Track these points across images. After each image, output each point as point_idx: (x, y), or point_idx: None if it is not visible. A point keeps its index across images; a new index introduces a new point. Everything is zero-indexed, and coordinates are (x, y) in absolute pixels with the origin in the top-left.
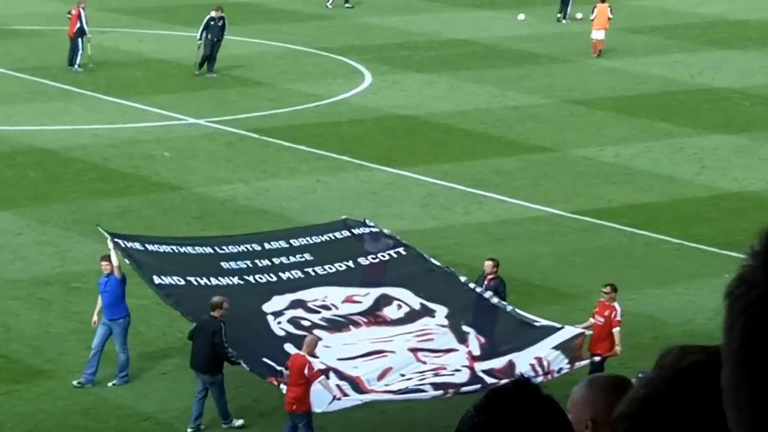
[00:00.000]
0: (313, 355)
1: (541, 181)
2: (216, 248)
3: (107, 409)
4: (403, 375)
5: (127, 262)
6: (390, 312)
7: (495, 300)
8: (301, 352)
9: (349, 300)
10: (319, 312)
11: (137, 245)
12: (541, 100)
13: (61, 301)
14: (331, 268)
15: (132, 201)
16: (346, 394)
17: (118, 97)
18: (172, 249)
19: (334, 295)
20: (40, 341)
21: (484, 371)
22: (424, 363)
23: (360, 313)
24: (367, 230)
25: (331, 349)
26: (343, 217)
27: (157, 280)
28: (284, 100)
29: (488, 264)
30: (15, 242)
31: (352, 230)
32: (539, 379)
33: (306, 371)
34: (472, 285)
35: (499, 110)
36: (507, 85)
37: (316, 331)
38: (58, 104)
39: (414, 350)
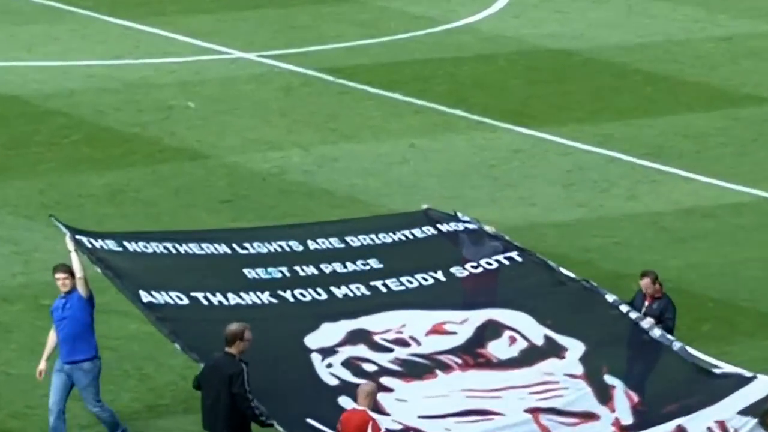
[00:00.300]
0: (378, 410)
1: (751, 150)
2: (236, 247)
3: None
4: None
5: (98, 270)
6: (498, 348)
7: (657, 332)
8: (359, 406)
9: (437, 330)
10: (390, 350)
11: (112, 244)
12: (766, 27)
13: (25, 327)
14: (410, 282)
15: (130, 175)
16: None
17: (127, 19)
18: (166, 248)
19: (414, 323)
20: None
21: None
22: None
23: (452, 351)
24: (461, 226)
25: (407, 404)
26: (425, 206)
27: (145, 296)
28: (378, 25)
29: (644, 283)
30: None
31: (439, 226)
32: None
33: (369, 430)
34: (623, 308)
35: (701, 42)
36: (714, 4)
37: (385, 380)
38: (38, 28)
39: (533, 411)
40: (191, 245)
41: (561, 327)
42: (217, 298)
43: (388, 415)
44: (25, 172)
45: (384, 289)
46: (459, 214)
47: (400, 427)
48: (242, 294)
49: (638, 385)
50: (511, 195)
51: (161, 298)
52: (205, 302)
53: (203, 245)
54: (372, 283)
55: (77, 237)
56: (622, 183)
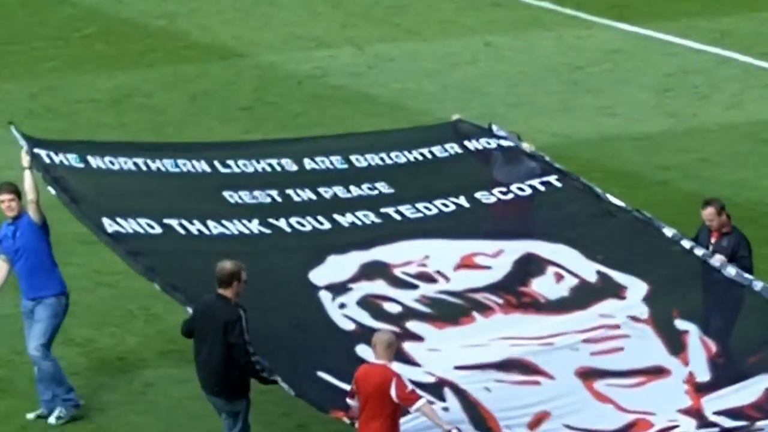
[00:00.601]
0: (407, 360)
1: None
2: (217, 164)
3: None
4: (570, 427)
5: (53, 192)
6: (544, 286)
7: (731, 271)
8: (377, 360)
9: (467, 264)
10: (414, 286)
11: (74, 159)
12: None
13: None
14: (428, 209)
15: (145, 77)
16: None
17: None
18: (136, 165)
19: (439, 254)
20: None
21: (720, 413)
22: (608, 401)
23: (490, 289)
24: (493, 143)
25: (441, 354)
26: (455, 117)
27: (110, 225)
28: None
29: (708, 213)
30: None
31: (467, 143)
32: None
33: (393, 391)
34: (686, 243)
35: None
36: None
37: (413, 325)
38: None
39: (587, 374)
40: (165, 162)
41: (615, 262)
42: (195, 227)
43: (418, 365)
44: (19, 73)
45: (398, 217)
46: (494, 128)
47: (433, 379)
48: (225, 222)
49: (716, 331)
50: (590, 103)
51: (128, 226)
52: (181, 231)
53: (179, 162)
54: (383, 210)
55: (35, 151)
56: (728, 88)
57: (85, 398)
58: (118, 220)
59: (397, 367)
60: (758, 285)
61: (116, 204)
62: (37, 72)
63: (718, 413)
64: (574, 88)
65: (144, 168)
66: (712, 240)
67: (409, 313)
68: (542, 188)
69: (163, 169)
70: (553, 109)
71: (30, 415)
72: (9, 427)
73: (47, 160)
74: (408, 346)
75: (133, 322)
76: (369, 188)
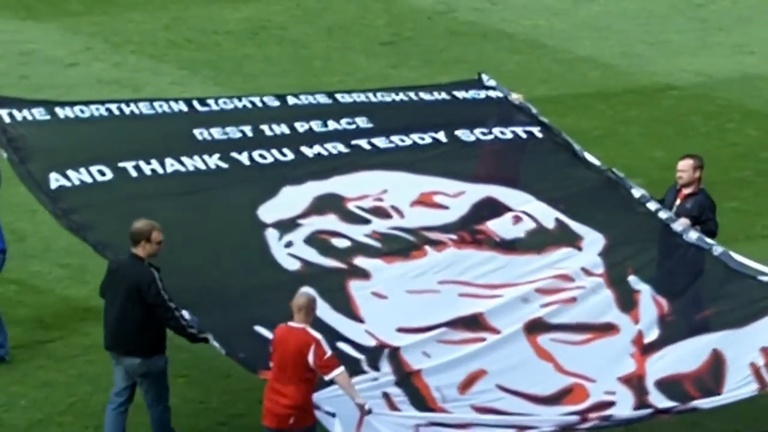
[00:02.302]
0: (350, 309)
1: None
2: (195, 103)
3: None
4: (502, 389)
5: (4, 155)
6: (500, 227)
7: (693, 235)
8: (296, 323)
9: (424, 201)
10: (367, 221)
11: (39, 113)
12: None
13: None
14: (402, 141)
15: (271, 9)
16: (397, 409)
17: None
18: (108, 110)
19: (398, 189)
20: None
21: (660, 383)
22: (549, 359)
23: (444, 228)
24: (482, 94)
25: (387, 305)
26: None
27: (55, 180)
28: None
29: (684, 164)
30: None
31: (455, 92)
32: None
33: (311, 357)
34: (651, 205)
35: None
36: None
37: (361, 260)
38: None
39: (534, 328)
40: (141, 105)
41: (576, 213)
42: (150, 166)
43: (361, 322)
44: (142, 2)
45: (368, 147)
46: (484, 77)
47: (373, 343)
48: (184, 159)
49: (670, 292)
50: (724, 41)
51: (75, 177)
52: (134, 173)
53: (156, 103)
54: (354, 142)
55: None
56: None
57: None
58: (68, 172)
59: (339, 322)
60: (718, 250)
61: (71, 154)
62: (160, 3)
63: (659, 383)
64: (705, 26)
65: (116, 112)
66: (677, 202)
67: (357, 248)
68: (524, 136)
69: (137, 111)
70: (691, 47)
71: None
72: None
73: (7, 119)
74: (354, 287)
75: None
76: (348, 123)
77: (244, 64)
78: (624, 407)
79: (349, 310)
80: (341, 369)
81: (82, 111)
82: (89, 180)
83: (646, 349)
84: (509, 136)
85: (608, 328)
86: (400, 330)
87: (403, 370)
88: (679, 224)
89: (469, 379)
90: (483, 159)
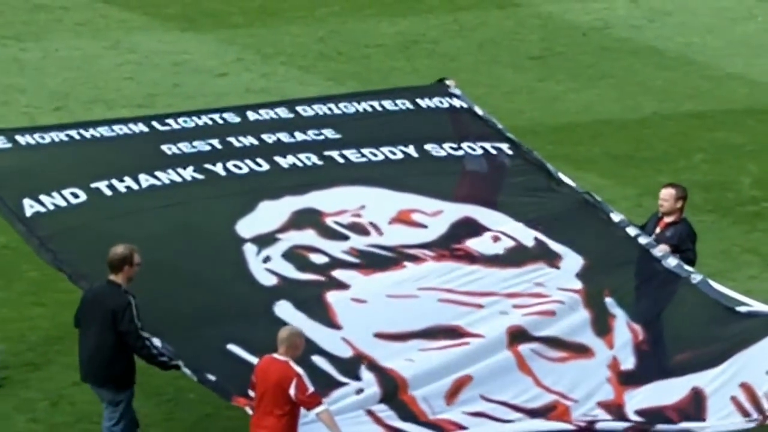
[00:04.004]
0: (328, 317)
1: None
2: (155, 124)
3: None
4: (486, 399)
5: None
6: (479, 245)
7: (672, 262)
8: (280, 356)
9: (403, 219)
10: (345, 237)
11: (2, 141)
12: None
13: None
14: (374, 155)
15: (428, 24)
16: (384, 423)
17: None
18: (69, 136)
19: (376, 205)
20: None
21: (641, 413)
22: (529, 374)
23: (423, 246)
24: (445, 103)
25: (365, 310)
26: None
27: (30, 207)
28: None
29: (666, 193)
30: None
31: (418, 100)
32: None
33: (292, 391)
34: (632, 231)
35: None
36: None
37: (339, 273)
38: None
39: (515, 335)
40: (100, 129)
41: (554, 233)
42: (124, 184)
43: (338, 328)
44: (302, 16)
45: (341, 160)
46: (448, 82)
47: (349, 353)
48: (158, 173)
49: (646, 319)
50: None
51: (49, 202)
52: (108, 192)
53: (115, 126)
54: (326, 153)
55: None
56: None
57: None
58: (41, 197)
59: (315, 331)
60: (697, 278)
61: (41, 180)
62: (319, 16)
63: (639, 412)
64: None
65: (77, 137)
66: (657, 230)
67: (335, 263)
68: (493, 152)
69: (97, 135)
70: None
71: None
72: None
73: None
74: (332, 297)
75: None
76: (315, 134)
77: (391, 77)
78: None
79: (326, 318)
80: (324, 406)
81: (42, 138)
82: (63, 204)
83: (623, 380)
84: (479, 152)
85: (583, 350)
86: (378, 336)
87: (386, 377)
88: (659, 250)
89: (456, 387)
90: (463, 179)
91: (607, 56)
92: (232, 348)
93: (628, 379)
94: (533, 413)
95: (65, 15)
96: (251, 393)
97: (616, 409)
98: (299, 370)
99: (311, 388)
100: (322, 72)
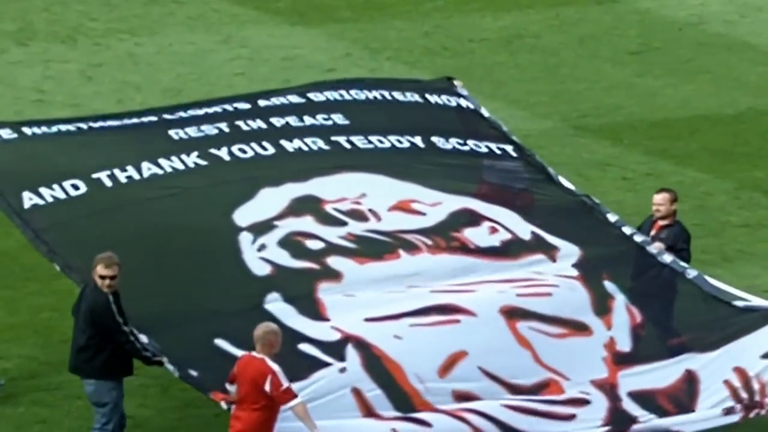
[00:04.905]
0: (317, 310)
1: None
2: (165, 114)
3: None
4: (485, 372)
5: None
6: (475, 235)
7: (667, 258)
8: (257, 354)
9: (402, 207)
10: (343, 223)
11: (5, 133)
12: None
13: None
14: (381, 142)
15: (530, 19)
16: (369, 407)
17: None
18: (77, 127)
19: (377, 193)
20: None
21: (633, 395)
22: (528, 347)
23: (420, 231)
24: (453, 102)
25: (355, 301)
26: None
27: (29, 200)
28: None
29: (660, 197)
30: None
31: (427, 95)
32: (736, 417)
33: (267, 387)
34: (627, 229)
35: None
36: None
37: (333, 260)
38: None
39: (510, 313)
40: (109, 121)
41: (552, 228)
42: (126, 173)
43: (326, 320)
44: (407, 11)
45: (348, 146)
46: (456, 83)
47: (337, 336)
48: (161, 161)
49: (643, 304)
50: None
51: (48, 194)
52: (108, 183)
53: (124, 119)
54: (333, 138)
55: None
56: None
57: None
58: (41, 189)
59: (303, 325)
60: (692, 273)
61: (44, 170)
62: (425, 11)
63: (632, 394)
64: None
65: (84, 127)
66: (653, 232)
67: (331, 249)
68: (498, 152)
69: (105, 125)
70: None
71: None
72: None
73: None
74: (322, 291)
75: None
76: (324, 118)
77: (494, 71)
78: (599, 408)
79: (316, 313)
80: (298, 400)
81: (48, 128)
82: (63, 196)
83: (618, 360)
84: (484, 150)
85: (582, 328)
86: (368, 320)
87: (371, 356)
88: (654, 247)
89: (450, 361)
90: (480, 187)
91: (703, 51)
92: (219, 342)
93: (622, 359)
94: (525, 391)
95: (178, 9)
96: (229, 387)
97: (609, 387)
98: (274, 367)
99: (285, 384)
100: (428, 67)
